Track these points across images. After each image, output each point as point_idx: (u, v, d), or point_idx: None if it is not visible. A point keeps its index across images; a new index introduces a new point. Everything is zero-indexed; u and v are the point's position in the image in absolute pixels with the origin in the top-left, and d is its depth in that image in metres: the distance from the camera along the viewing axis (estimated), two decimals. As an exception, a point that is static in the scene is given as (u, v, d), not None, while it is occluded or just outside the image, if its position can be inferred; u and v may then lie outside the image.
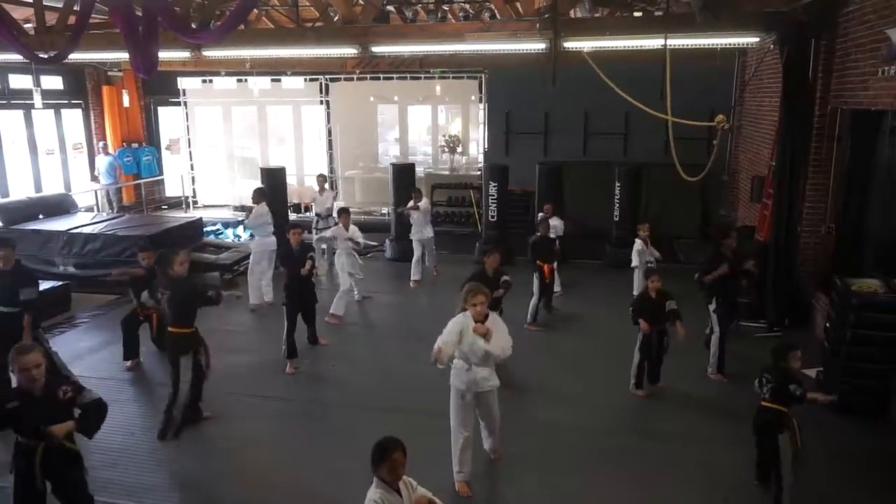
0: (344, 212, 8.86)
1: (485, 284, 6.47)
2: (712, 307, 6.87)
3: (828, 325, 6.44)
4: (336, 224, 9.05)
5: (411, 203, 10.07)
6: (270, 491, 5.00)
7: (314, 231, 10.79)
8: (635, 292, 9.09)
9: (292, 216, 13.16)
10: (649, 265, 8.23)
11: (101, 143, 14.75)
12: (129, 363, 7.25)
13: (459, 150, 15.04)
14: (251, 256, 9.39)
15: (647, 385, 6.52)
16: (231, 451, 5.54)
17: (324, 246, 10.62)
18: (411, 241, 10.38)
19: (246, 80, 15.07)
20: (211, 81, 15.29)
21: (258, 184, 10.58)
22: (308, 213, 14.58)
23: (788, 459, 4.36)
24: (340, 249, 8.77)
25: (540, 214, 9.64)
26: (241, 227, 9.78)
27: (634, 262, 8.77)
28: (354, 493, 4.93)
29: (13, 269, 6.18)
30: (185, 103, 15.65)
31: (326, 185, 11.07)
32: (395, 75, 14.21)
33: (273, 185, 11.34)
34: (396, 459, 3.25)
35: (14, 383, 3.99)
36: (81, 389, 3.97)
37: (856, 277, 6.25)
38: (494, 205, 11.31)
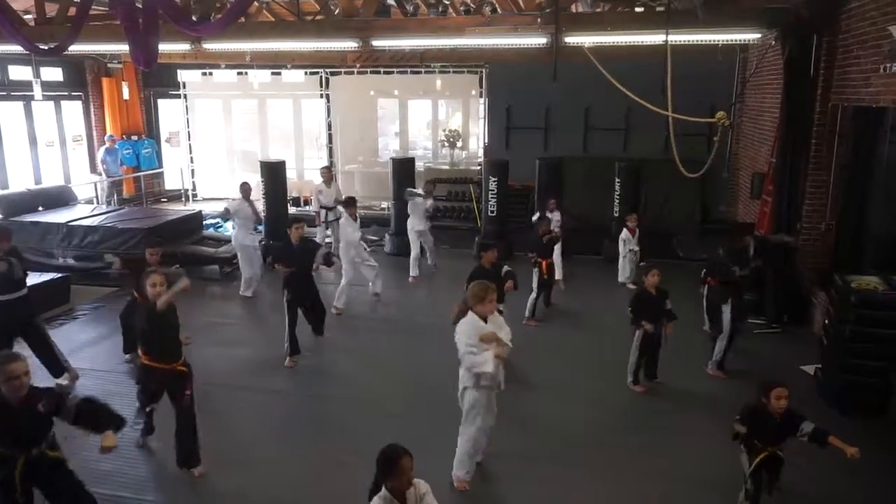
0: (351, 202, 8.86)
1: (487, 280, 6.52)
2: (727, 308, 6.72)
3: (827, 322, 6.45)
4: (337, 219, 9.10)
5: (421, 191, 10.16)
6: (270, 484, 5.01)
7: (322, 224, 10.82)
8: (619, 279, 9.52)
9: (291, 210, 13.15)
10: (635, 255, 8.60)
11: (108, 136, 14.73)
12: (129, 356, 7.25)
13: (459, 144, 15.02)
14: (238, 255, 9.48)
15: (643, 380, 6.54)
16: (230, 443, 5.54)
17: (328, 239, 10.65)
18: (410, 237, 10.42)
19: (246, 73, 15.04)
20: (211, 74, 15.26)
21: (257, 177, 10.64)
22: (308, 207, 14.58)
23: (744, 475, 4.40)
24: (347, 241, 8.71)
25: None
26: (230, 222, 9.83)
27: (621, 251, 9.53)
28: (354, 485, 4.96)
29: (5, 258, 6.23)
30: (185, 96, 15.63)
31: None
32: (395, 69, 14.19)
33: (273, 178, 11.35)
34: (404, 466, 3.16)
35: None
36: (62, 397, 3.83)
37: (855, 274, 6.26)
38: (494, 200, 11.30)
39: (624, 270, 9.68)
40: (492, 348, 4.40)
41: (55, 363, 6.58)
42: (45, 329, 6.81)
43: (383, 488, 3.20)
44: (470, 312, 4.52)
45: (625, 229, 9.55)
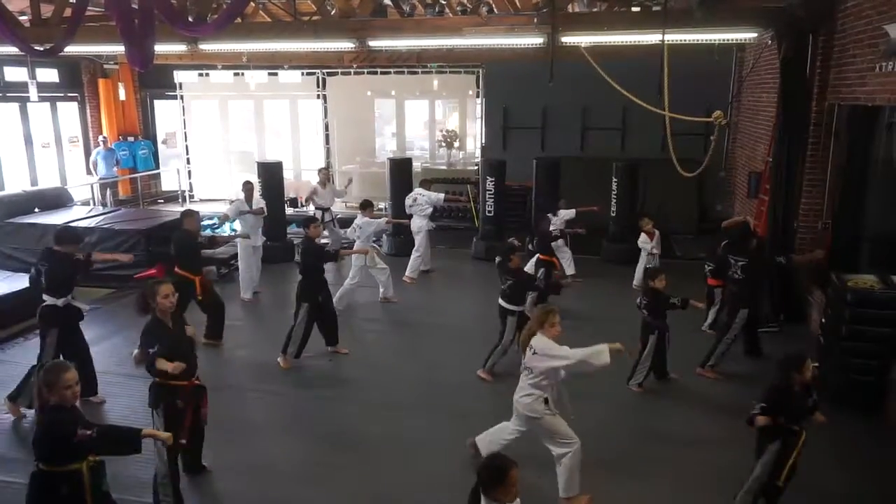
0: (369, 205, 8.85)
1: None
2: (744, 312, 6.70)
3: (823, 320, 6.47)
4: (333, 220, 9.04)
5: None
6: (269, 485, 5.00)
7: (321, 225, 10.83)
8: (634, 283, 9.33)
9: (288, 210, 13.15)
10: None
11: (100, 137, 14.68)
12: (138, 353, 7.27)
13: (457, 145, 15.02)
14: (239, 253, 9.47)
15: (653, 381, 6.56)
16: (229, 444, 5.52)
17: (325, 240, 10.64)
18: (409, 236, 10.42)
19: (242, 74, 15.04)
20: (207, 75, 15.25)
21: (254, 178, 10.65)
22: (304, 208, 14.57)
23: (768, 463, 4.24)
24: (362, 243, 8.67)
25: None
26: (237, 222, 9.79)
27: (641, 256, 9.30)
28: (353, 485, 4.96)
29: None
30: (182, 97, 15.61)
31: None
32: (392, 69, 14.18)
33: (270, 179, 11.34)
34: (513, 477, 3.02)
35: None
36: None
37: (852, 273, 6.27)
38: (492, 200, 11.32)
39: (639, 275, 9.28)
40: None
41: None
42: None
43: (483, 501, 3.06)
44: (539, 334, 4.58)
45: (643, 234, 9.17)
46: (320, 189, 10.94)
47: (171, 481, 4.51)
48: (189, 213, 7.62)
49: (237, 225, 9.85)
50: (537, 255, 8.63)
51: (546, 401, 4.59)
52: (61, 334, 6.02)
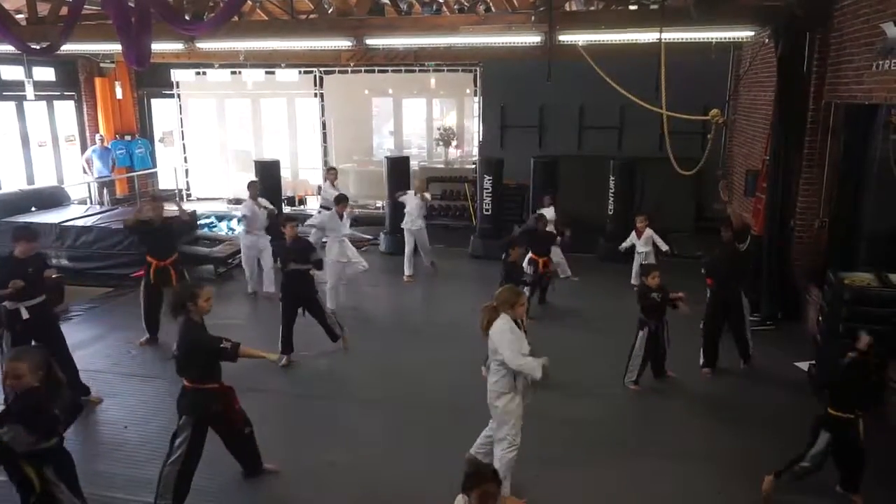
0: (342, 199, 8.79)
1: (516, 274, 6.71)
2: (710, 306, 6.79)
3: (820, 318, 6.48)
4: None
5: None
6: (264, 484, 5.01)
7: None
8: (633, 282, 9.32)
9: (286, 209, 13.15)
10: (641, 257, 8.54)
11: (97, 136, 14.62)
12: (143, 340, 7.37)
13: (454, 143, 15.02)
14: (243, 251, 9.50)
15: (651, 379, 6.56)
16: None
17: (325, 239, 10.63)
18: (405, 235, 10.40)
19: (240, 73, 15.00)
20: (204, 73, 15.21)
21: (252, 177, 10.62)
22: (303, 207, 14.58)
23: (819, 451, 4.56)
24: (332, 237, 8.65)
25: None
26: (234, 221, 9.79)
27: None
28: (351, 486, 4.96)
29: None
30: (179, 95, 15.57)
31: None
32: (389, 68, 14.16)
33: (267, 178, 11.32)
34: (487, 491, 3.01)
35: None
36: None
37: (848, 271, 6.29)
38: (489, 198, 11.33)
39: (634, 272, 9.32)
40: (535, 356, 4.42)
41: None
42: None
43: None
44: (504, 315, 4.48)
45: (633, 231, 9.31)
46: (326, 187, 10.88)
47: (177, 481, 4.49)
48: (151, 200, 7.93)
49: (234, 224, 9.86)
50: (529, 253, 8.62)
51: (514, 383, 4.51)
52: (18, 339, 5.70)
